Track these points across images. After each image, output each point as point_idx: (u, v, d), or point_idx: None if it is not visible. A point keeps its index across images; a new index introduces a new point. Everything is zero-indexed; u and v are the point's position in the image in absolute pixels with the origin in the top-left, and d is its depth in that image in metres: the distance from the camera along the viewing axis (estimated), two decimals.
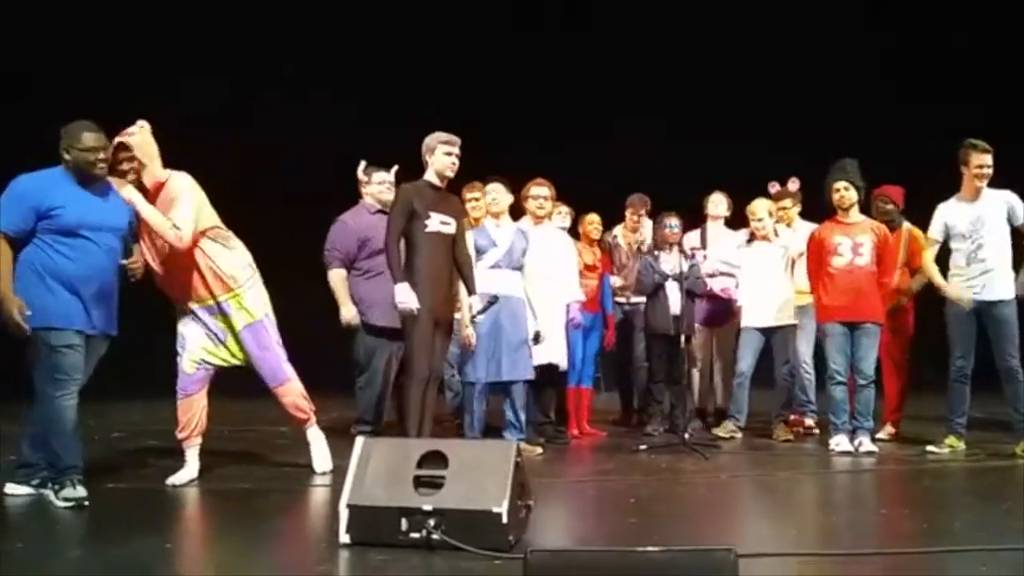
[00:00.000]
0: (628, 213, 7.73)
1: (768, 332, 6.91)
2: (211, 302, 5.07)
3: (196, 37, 10.55)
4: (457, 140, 5.43)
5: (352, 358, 6.19)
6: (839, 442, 6.18)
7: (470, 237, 5.98)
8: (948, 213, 6.09)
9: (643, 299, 7.24)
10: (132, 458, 5.83)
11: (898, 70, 11.17)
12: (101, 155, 4.50)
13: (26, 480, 4.64)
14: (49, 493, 4.52)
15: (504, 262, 6.09)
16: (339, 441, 5.32)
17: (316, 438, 5.37)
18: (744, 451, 6.46)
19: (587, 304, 6.99)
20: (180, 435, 5.11)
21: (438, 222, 5.36)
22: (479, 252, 6.05)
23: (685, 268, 6.81)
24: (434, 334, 5.33)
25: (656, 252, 7.16)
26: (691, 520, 4.47)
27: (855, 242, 6.23)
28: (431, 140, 5.42)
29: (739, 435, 6.94)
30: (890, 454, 6.23)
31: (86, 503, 4.36)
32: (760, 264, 6.97)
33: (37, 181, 4.47)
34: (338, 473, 4.63)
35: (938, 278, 6.12)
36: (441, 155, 5.39)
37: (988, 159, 5.94)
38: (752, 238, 7.10)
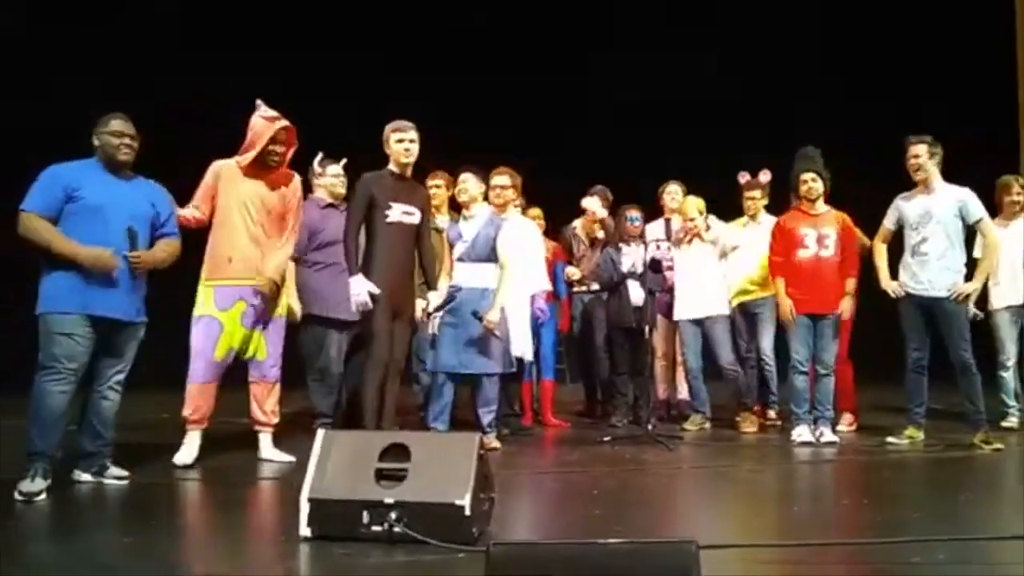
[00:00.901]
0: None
1: (701, 323, 6.94)
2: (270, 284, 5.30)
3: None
4: (409, 125, 5.41)
5: (299, 353, 6.14)
6: (800, 432, 6.22)
7: (446, 231, 5.97)
8: (902, 204, 6.16)
9: (603, 290, 7.26)
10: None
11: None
12: (127, 140, 4.67)
13: (88, 468, 4.77)
14: (106, 480, 4.74)
15: (468, 255, 6.02)
16: (298, 436, 5.29)
17: (267, 444, 5.53)
18: (707, 442, 6.50)
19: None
20: (192, 417, 5.27)
21: (400, 212, 5.34)
22: (451, 245, 6.02)
23: (647, 261, 6.81)
24: (393, 323, 5.31)
25: (619, 245, 7.16)
26: (654, 511, 4.48)
27: (820, 233, 6.27)
28: (386, 129, 5.42)
29: (707, 426, 6.98)
30: (850, 445, 6.29)
31: (37, 498, 4.33)
32: (691, 258, 7.01)
33: (67, 167, 4.62)
34: (299, 467, 4.59)
35: (880, 263, 6.21)
36: (394, 143, 5.39)
37: (914, 150, 6.03)
38: (681, 238, 7.09)
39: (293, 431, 5.69)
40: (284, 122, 5.30)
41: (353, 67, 10.79)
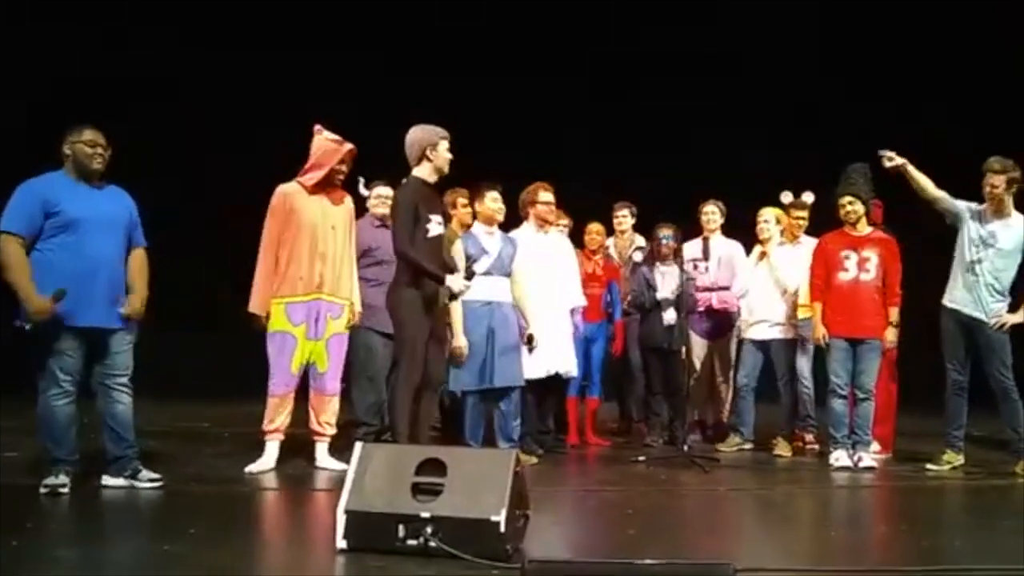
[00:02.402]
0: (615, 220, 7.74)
1: (766, 345, 6.91)
2: (343, 302, 5.61)
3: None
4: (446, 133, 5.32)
5: (349, 360, 6.20)
6: (839, 457, 6.16)
7: (459, 244, 5.95)
8: (969, 214, 6.08)
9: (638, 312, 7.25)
10: None
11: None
12: (99, 149, 4.71)
13: (119, 473, 4.84)
14: (139, 484, 4.81)
15: (496, 268, 6.00)
16: (338, 444, 5.34)
17: (323, 452, 5.69)
18: (744, 465, 6.44)
19: (590, 314, 6.96)
20: (269, 428, 5.50)
21: (436, 224, 5.26)
22: (468, 259, 5.93)
23: (681, 282, 6.77)
24: (428, 341, 5.23)
25: (653, 263, 7.12)
26: (690, 533, 4.45)
27: (861, 256, 6.20)
28: (430, 135, 5.23)
29: (747, 446, 6.94)
30: (889, 470, 6.22)
31: (62, 490, 4.54)
32: (761, 279, 6.95)
33: (40, 182, 4.65)
34: (338, 479, 4.62)
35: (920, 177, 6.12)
36: (443, 151, 5.23)
37: (992, 179, 5.93)
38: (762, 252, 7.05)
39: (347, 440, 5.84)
40: (350, 145, 5.57)
41: (354, 67, 10.78)
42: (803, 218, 7.08)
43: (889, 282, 6.20)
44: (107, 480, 4.83)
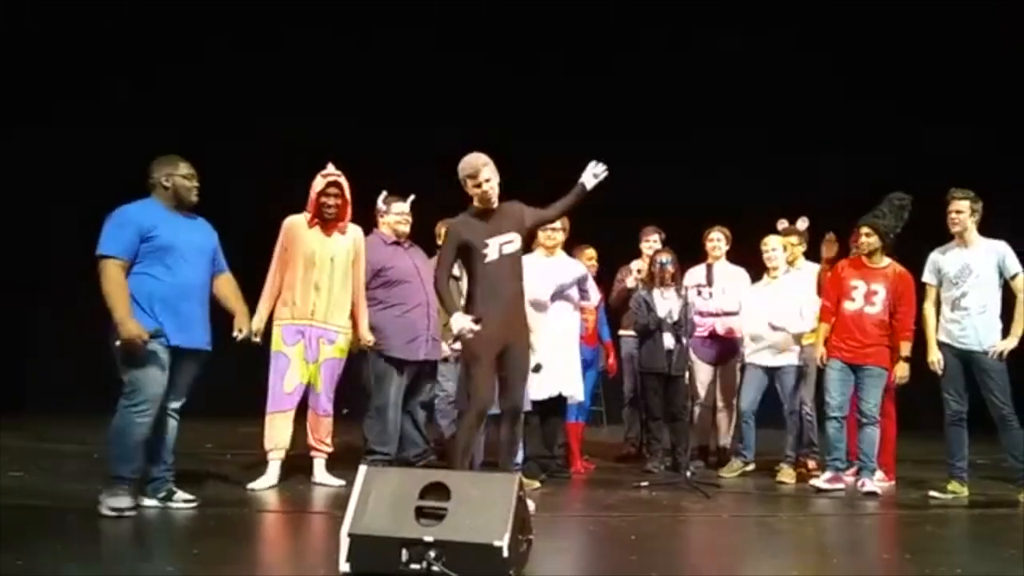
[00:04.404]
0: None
1: (770, 371, 6.91)
2: (337, 328, 5.81)
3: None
4: (483, 163, 5.06)
5: (359, 384, 6.22)
6: (826, 478, 6.20)
7: None
8: (939, 258, 6.14)
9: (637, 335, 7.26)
10: None
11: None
12: (195, 182, 4.97)
13: (154, 494, 4.93)
14: (174, 504, 4.91)
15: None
16: (349, 467, 5.36)
17: (319, 469, 5.89)
18: (747, 491, 6.44)
19: (585, 339, 6.98)
20: (268, 446, 5.70)
21: (497, 248, 5.07)
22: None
23: (681, 306, 6.80)
24: (495, 365, 5.05)
25: (651, 289, 7.11)
26: (692, 559, 4.46)
27: (870, 289, 6.21)
28: (464, 166, 5.09)
29: (748, 469, 6.96)
30: (892, 498, 6.22)
31: (128, 514, 4.59)
32: (766, 303, 6.96)
33: (136, 209, 4.84)
34: (340, 501, 4.64)
35: (929, 330, 6.15)
36: (471, 188, 5.07)
37: (956, 205, 6.00)
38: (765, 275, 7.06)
39: (340, 463, 5.89)
40: (332, 177, 5.78)
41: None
42: (797, 244, 7.10)
43: (900, 316, 6.18)
44: (143, 500, 4.88)
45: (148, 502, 4.90)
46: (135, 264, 4.75)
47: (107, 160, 9.24)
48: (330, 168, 5.83)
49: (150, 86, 10.01)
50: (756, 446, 7.05)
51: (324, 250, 5.79)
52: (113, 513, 4.58)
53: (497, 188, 5.13)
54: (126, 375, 4.70)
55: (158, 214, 4.84)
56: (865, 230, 6.24)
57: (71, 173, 9.69)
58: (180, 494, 4.97)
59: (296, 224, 5.84)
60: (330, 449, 5.91)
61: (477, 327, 4.92)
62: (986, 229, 6.11)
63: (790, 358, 6.86)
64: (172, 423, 4.97)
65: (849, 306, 6.24)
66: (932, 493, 6.10)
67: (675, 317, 6.90)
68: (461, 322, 4.93)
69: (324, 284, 5.77)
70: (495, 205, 5.13)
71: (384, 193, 6.37)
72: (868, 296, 6.20)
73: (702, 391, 7.41)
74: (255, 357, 5.76)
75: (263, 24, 10.52)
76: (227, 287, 5.17)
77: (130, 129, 9.32)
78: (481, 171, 5.05)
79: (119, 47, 9.97)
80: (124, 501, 4.63)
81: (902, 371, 6.17)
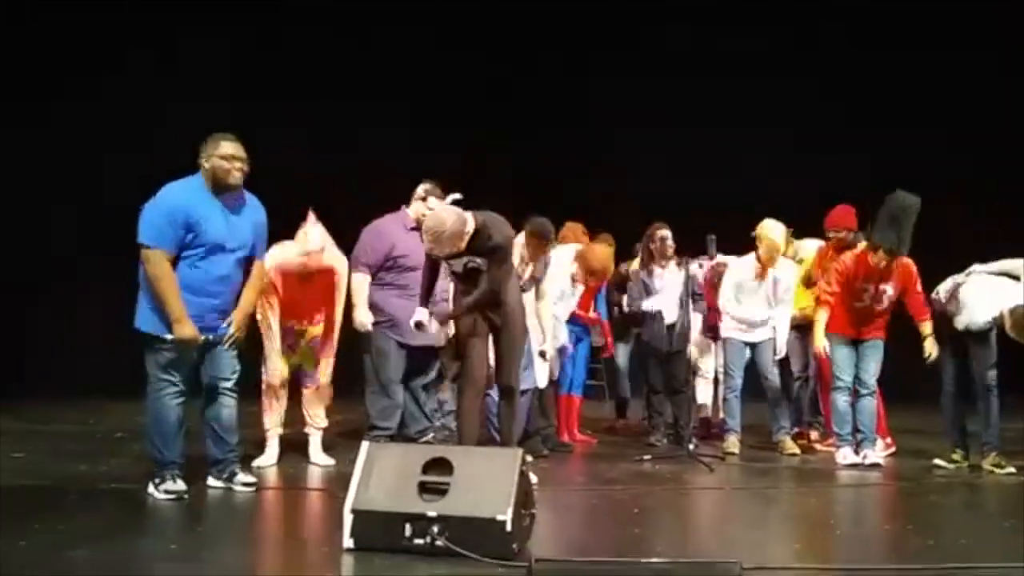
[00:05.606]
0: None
1: (752, 345, 6.85)
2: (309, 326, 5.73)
3: None
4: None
5: (362, 362, 6.18)
6: (845, 454, 6.17)
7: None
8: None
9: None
10: (138, 458, 5.80)
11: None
12: (238, 164, 4.66)
13: (219, 475, 4.91)
14: (235, 487, 4.85)
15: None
16: (349, 444, 5.36)
17: (315, 446, 5.84)
18: (749, 463, 6.43)
19: (579, 315, 6.98)
20: (266, 424, 5.67)
21: (461, 265, 5.09)
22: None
23: (683, 281, 6.76)
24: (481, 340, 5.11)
25: (650, 267, 7.08)
26: (696, 532, 4.47)
27: (879, 289, 6.18)
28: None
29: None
30: (895, 468, 6.22)
31: (185, 496, 4.59)
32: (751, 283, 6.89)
33: (181, 195, 4.63)
34: (343, 477, 4.63)
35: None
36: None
37: None
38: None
39: (343, 440, 5.89)
40: (311, 259, 5.47)
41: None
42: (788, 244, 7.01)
43: (913, 303, 6.20)
44: (210, 481, 4.89)
45: (213, 482, 4.88)
46: (180, 256, 4.58)
47: (107, 160, 9.31)
48: (310, 237, 5.42)
49: (150, 86, 9.89)
50: (756, 420, 7.05)
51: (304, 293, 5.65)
52: (171, 496, 4.56)
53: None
54: (151, 362, 4.63)
55: (203, 203, 4.62)
56: (871, 250, 6.13)
57: (71, 173, 9.59)
58: (240, 476, 4.89)
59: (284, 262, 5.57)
60: (323, 424, 5.80)
61: (434, 328, 5.14)
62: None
63: (767, 332, 6.81)
64: (228, 401, 4.85)
65: (858, 304, 6.24)
66: (936, 462, 6.12)
67: (678, 290, 6.87)
68: (420, 315, 5.09)
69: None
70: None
71: (429, 184, 6.16)
72: (877, 296, 6.18)
73: (704, 366, 7.39)
74: (259, 335, 5.66)
75: (263, 24, 10.46)
76: (249, 275, 4.89)
77: (130, 129, 9.34)
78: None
79: (119, 47, 9.87)
80: (178, 484, 4.60)
81: (931, 347, 6.15)
